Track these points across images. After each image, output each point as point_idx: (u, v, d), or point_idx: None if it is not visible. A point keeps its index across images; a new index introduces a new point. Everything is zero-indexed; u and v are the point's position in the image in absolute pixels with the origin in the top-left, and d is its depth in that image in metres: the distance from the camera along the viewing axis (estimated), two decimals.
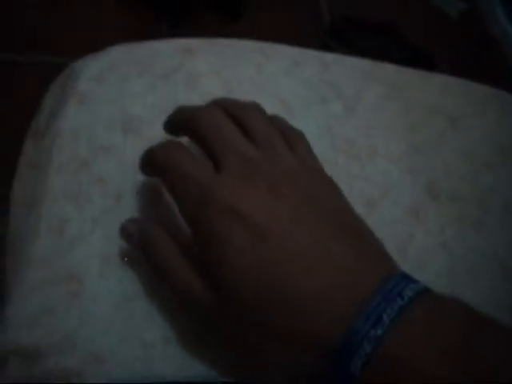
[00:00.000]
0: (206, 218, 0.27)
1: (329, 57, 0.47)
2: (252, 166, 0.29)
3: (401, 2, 1.69)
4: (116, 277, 0.30)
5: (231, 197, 0.27)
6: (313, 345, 0.24)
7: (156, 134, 0.37)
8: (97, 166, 0.35)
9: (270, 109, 0.34)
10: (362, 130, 0.41)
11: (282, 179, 0.28)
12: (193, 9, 1.43)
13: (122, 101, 0.38)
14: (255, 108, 0.33)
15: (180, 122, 0.33)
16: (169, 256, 0.29)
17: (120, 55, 0.41)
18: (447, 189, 0.40)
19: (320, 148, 0.34)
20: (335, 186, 0.30)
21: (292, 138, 0.32)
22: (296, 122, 0.34)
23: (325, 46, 1.49)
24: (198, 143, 0.31)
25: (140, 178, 0.35)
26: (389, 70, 0.48)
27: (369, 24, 1.49)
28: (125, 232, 0.31)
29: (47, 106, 0.41)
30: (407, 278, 0.25)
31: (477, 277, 0.37)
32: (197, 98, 0.39)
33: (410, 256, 0.36)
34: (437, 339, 0.23)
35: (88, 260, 0.31)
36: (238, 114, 0.31)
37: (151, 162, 0.32)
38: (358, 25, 1.49)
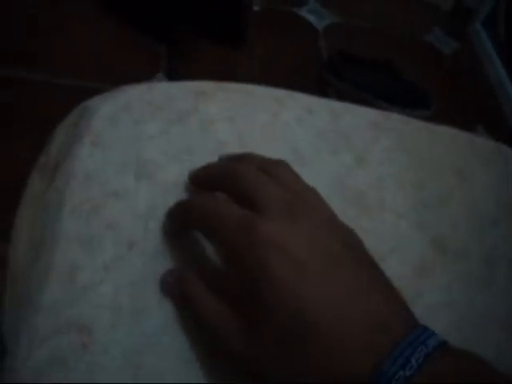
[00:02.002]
0: (249, 248, 0.28)
1: (338, 105, 0.47)
2: (293, 209, 0.30)
3: (395, 39, 1.72)
4: (126, 328, 0.30)
5: (275, 230, 0.28)
6: (342, 380, 0.26)
7: (169, 179, 0.37)
8: (109, 211, 0.34)
9: (282, 157, 0.35)
10: (372, 182, 0.41)
11: (320, 226, 0.30)
12: (192, 35, 1.44)
13: (136, 144, 0.38)
14: (285, 166, 0.34)
15: (215, 177, 0.34)
16: (210, 311, 0.30)
17: (135, 96, 0.41)
18: (454, 244, 0.40)
19: (332, 199, 0.34)
20: (359, 238, 0.32)
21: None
22: (308, 172, 0.35)
23: (322, 79, 1.51)
24: (238, 197, 0.32)
25: (153, 224, 0.34)
26: (395, 120, 0.48)
27: (364, 60, 1.51)
28: (165, 284, 0.32)
29: (58, 143, 0.41)
30: (429, 330, 0.27)
31: (481, 336, 0.37)
32: (210, 144, 0.40)
33: (416, 314, 0.36)
34: None
35: (99, 310, 0.30)
36: (271, 172, 0.33)
37: (187, 210, 0.33)
38: (354, 60, 1.51)
